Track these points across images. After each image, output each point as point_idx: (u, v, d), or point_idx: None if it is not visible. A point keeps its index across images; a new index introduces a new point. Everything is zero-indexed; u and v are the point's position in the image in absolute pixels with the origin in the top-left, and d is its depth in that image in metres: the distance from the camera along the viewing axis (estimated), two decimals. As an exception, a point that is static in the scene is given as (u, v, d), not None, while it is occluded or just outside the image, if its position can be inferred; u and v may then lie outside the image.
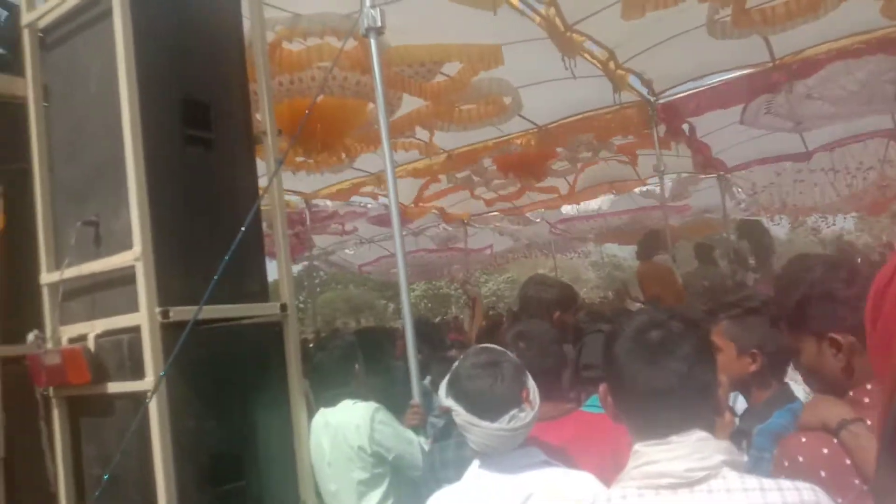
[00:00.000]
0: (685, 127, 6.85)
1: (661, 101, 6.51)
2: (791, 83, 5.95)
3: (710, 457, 1.13)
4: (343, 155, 5.83)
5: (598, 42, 5.15)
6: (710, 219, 11.78)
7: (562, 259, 15.09)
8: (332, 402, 2.57)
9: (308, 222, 8.55)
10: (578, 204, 10.46)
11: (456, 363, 1.80)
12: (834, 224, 13.85)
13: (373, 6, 2.98)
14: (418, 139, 6.22)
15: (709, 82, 6.37)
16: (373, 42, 3.01)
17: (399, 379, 3.08)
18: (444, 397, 1.72)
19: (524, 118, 6.47)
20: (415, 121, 5.55)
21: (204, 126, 2.30)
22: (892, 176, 9.35)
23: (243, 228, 2.15)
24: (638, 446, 1.20)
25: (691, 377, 1.19)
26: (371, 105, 5.03)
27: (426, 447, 2.45)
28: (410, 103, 5.24)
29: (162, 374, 1.83)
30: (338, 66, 4.08)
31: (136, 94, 2.07)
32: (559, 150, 7.45)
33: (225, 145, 2.37)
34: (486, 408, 1.61)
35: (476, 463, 1.69)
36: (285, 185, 4.62)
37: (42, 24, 2.46)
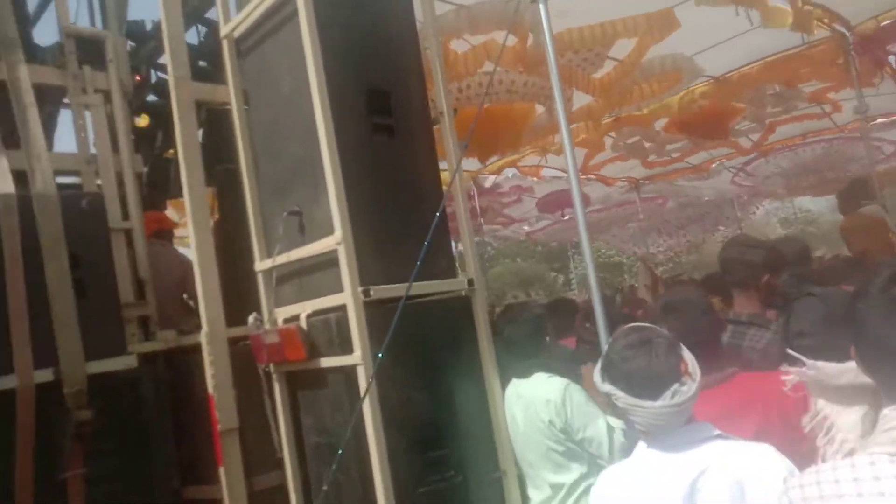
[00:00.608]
0: (891, 59, 6.03)
1: (857, 31, 5.76)
2: None
3: None
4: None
5: (780, -23, 4.65)
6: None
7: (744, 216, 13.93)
8: (523, 373, 2.58)
9: (476, 201, 8.64)
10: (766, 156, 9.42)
11: (606, 347, 1.75)
12: None
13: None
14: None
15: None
16: (542, 8, 2.93)
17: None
18: (600, 383, 1.67)
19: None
20: (586, 116, 5.43)
21: (386, 113, 2.40)
22: None
23: (438, 213, 2.22)
24: (887, 410, 1.10)
25: None
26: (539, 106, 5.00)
27: (616, 426, 2.41)
28: (580, 99, 5.14)
29: (380, 354, 1.95)
30: (504, 66, 4.07)
31: (325, 88, 2.19)
32: (743, 105, 6.85)
33: (406, 130, 2.46)
34: (646, 387, 1.56)
35: (642, 444, 1.64)
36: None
37: (237, 33, 2.69)
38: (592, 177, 9.30)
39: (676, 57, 4.85)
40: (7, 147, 2.58)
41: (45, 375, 2.38)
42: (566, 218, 10.48)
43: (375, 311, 2.15)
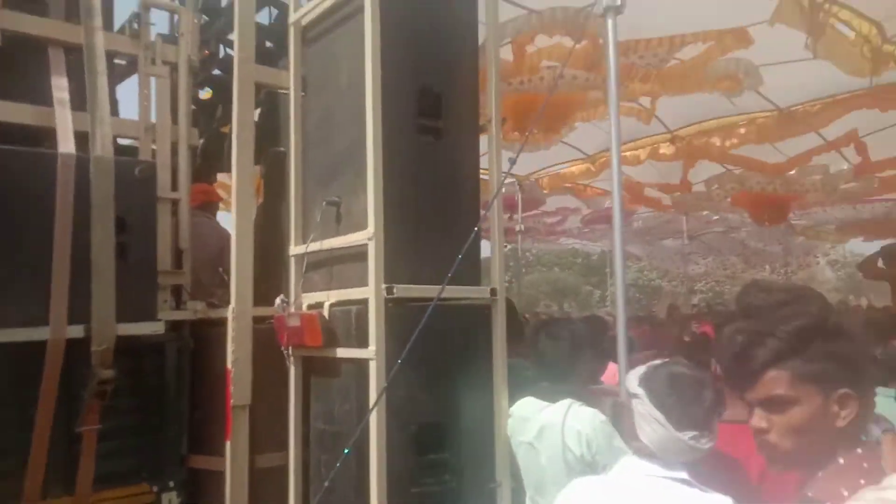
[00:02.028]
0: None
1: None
2: None
3: None
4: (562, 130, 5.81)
5: (860, 14, 4.51)
6: None
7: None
8: (549, 396, 2.44)
9: (520, 210, 8.58)
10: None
11: (660, 361, 1.80)
12: None
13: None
14: (640, 104, 5.94)
15: None
16: (609, 24, 2.90)
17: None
18: (634, 385, 1.72)
19: (762, 96, 5.82)
20: (638, 93, 5.33)
21: (435, 115, 2.44)
22: None
23: (476, 228, 2.25)
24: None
25: None
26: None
27: None
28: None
29: (398, 361, 1.98)
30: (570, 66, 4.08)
31: (380, 85, 2.24)
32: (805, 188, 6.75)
33: (452, 134, 2.49)
34: (678, 417, 1.63)
35: (628, 458, 1.72)
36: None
37: (304, 21, 2.76)
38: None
39: (741, 62, 4.73)
40: (73, 108, 2.70)
41: (76, 331, 2.48)
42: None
43: (396, 309, 2.20)
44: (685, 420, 1.63)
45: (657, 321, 9.05)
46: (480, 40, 2.80)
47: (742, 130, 6.41)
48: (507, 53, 4.35)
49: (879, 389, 2.76)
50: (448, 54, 2.54)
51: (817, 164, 6.91)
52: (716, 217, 10.76)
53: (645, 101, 5.82)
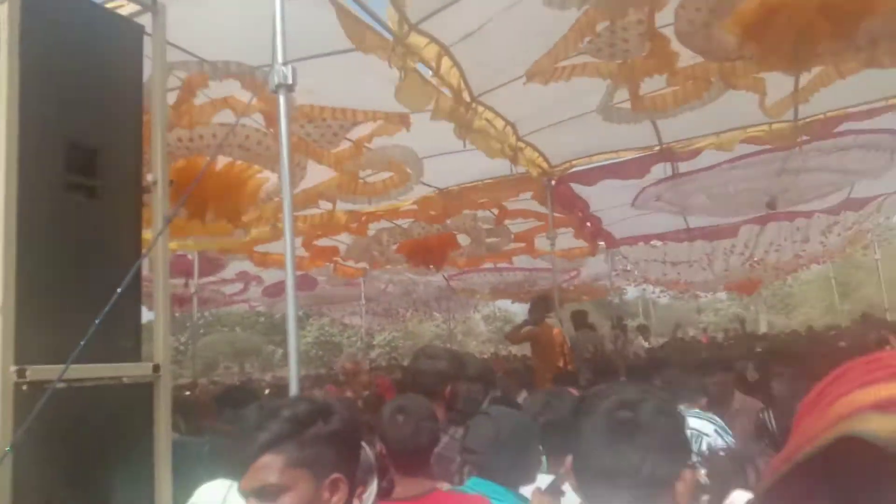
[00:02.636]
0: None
1: (557, 173, 6.85)
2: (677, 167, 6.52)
3: None
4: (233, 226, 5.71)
5: (500, 114, 5.37)
6: (598, 285, 12.40)
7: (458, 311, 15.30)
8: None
9: (196, 276, 8.15)
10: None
11: None
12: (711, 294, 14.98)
13: (284, 63, 2.97)
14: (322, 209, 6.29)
15: (599, 163, 6.78)
16: (282, 99, 2.97)
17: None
18: None
19: (425, 184, 6.62)
20: (318, 195, 5.62)
21: (89, 173, 2.19)
22: (760, 259, 10.25)
23: (119, 290, 2.03)
24: None
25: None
26: (270, 177, 5.03)
27: None
28: (314, 175, 5.27)
29: (8, 448, 1.67)
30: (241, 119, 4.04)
31: (16, 137, 1.94)
32: (461, 239, 7.84)
33: (109, 194, 2.25)
34: None
35: None
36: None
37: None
38: (329, 264, 9.48)
39: (405, 149, 5.27)
40: None
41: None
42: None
43: (34, 395, 1.86)
44: None
45: (339, 380, 9.24)
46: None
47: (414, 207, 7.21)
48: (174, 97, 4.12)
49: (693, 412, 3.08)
50: (108, 105, 2.31)
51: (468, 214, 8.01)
52: (390, 281, 11.64)
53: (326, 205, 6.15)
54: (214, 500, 2.21)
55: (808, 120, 5.63)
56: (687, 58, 4.27)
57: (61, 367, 1.93)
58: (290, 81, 2.95)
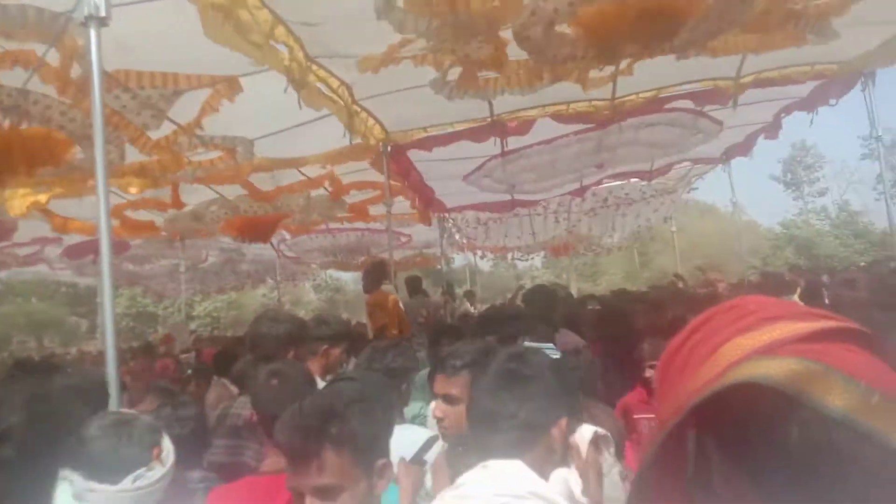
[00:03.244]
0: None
1: (392, 141, 6.84)
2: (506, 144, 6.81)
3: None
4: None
5: (336, 76, 5.21)
6: (428, 253, 12.72)
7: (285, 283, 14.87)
8: None
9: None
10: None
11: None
12: (528, 260, 16.00)
13: (96, -5, 2.60)
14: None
15: (434, 133, 6.88)
16: (93, 34, 2.62)
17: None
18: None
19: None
20: (140, 173, 5.18)
21: None
22: (574, 225, 11.20)
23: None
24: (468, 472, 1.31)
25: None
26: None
27: None
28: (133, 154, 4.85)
29: None
30: (43, 80, 3.55)
31: None
32: (291, 209, 7.73)
33: None
34: (109, 470, 1.52)
35: None
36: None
37: None
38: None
39: (237, 139, 5.04)
40: None
41: None
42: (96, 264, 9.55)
43: None
44: (119, 467, 1.54)
45: (157, 353, 8.63)
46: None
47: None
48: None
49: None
50: None
51: (302, 192, 7.83)
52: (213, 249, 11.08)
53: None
54: None
55: (623, 98, 6.13)
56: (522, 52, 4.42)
57: None
58: (102, 14, 2.58)
